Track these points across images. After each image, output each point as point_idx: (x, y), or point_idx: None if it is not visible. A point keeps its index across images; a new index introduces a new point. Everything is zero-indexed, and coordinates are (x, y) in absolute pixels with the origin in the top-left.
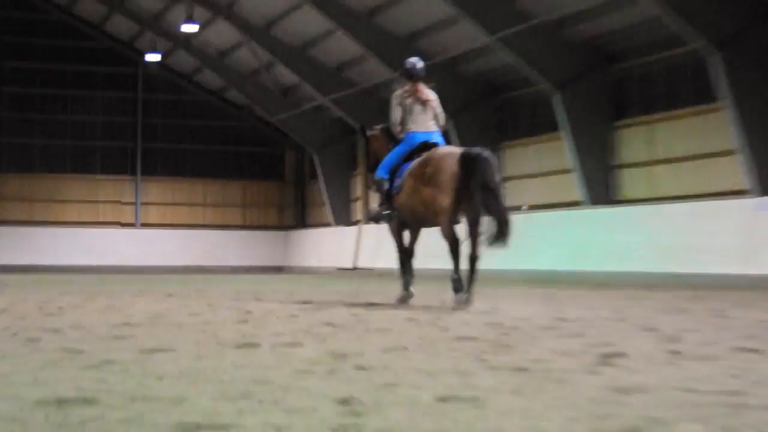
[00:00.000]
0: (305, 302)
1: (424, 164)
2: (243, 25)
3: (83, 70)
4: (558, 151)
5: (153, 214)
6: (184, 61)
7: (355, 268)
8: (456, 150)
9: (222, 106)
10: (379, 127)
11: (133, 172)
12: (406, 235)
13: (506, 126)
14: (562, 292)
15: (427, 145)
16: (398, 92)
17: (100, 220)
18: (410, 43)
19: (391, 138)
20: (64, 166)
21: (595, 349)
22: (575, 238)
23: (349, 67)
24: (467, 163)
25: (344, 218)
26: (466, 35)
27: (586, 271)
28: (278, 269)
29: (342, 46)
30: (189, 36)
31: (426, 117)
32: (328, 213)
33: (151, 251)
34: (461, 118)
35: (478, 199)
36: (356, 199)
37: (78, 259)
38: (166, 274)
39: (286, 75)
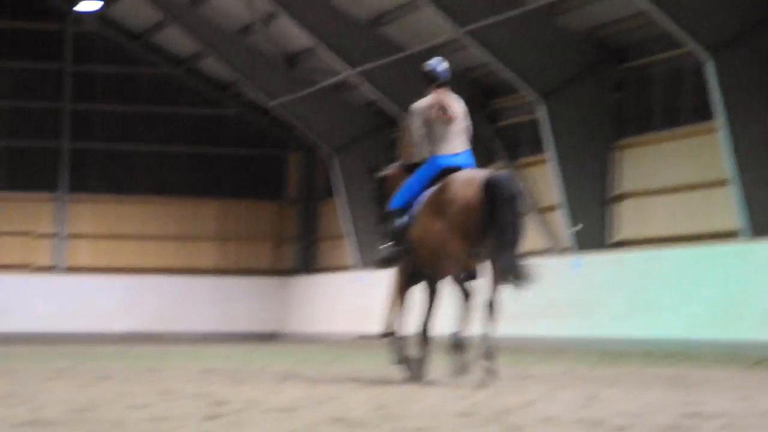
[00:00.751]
0: (308, 387)
1: (441, 191)
2: None
3: None
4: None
5: (84, 253)
6: (135, 12)
7: (386, 335)
8: (478, 174)
9: (193, 83)
10: (395, 164)
11: (55, 187)
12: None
13: (493, 145)
14: (698, 373)
15: (454, 170)
16: (419, 104)
17: (1, 262)
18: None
19: (410, 175)
20: None
21: None
22: (721, 288)
23: (389, 21)
24: (491, 191)
25: (374, 257)
26: (436, 25)
27: (739, 341)
28: (271, 336)
29: None
30: None
31: (453, 134)
32: (350, 249)
33: (79, 309)
34: None
35: (503, 235)
36: None
37: None
38: (101, 345)
39: (292, 34)
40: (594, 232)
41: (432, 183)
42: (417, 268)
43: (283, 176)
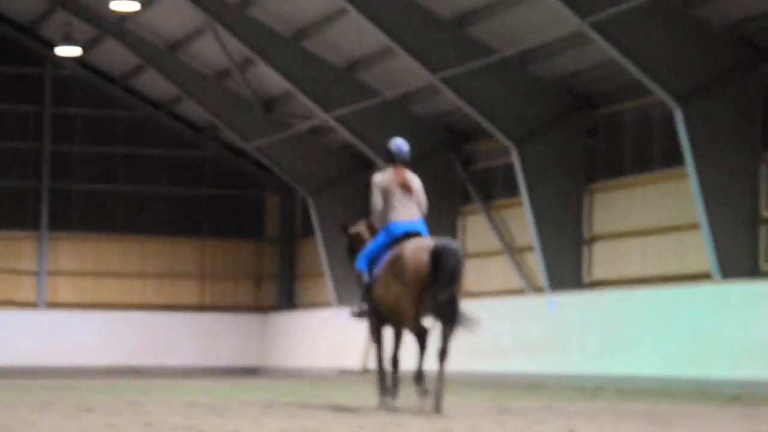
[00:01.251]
0: (290, 419)
1: (396, 257)
2: (208, 3)
3: None
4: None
5: (65, 289)
6: (114, 56)
7: (367, 371)
8: (428, 243)
9: (172, 125)
10: (362, 222)
11: (36, 225)
12: (389, 338)
13: (467, 188)
14: (673, 409)
15: (409, 235)
16: (379, 177)
17: None
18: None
19: (375, 232)
20: None
21: None
22: (694, 328)
23: (364, 66)
24: (436, 257)
25: (352, 295)
26: (411, 71)
27: (711, 378)
28: (251, 371)
29: (356, 33)
30: (123, 18)
31: (409, 204)
32: (328, 287)
33: (60, 344)
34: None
35: (445, 296)
36: None
37: None
38: (83, 379)
39: (269, 79)
40: (568, 273)
41: (390, 245)
42: (383, 318)
43: (262, 216)
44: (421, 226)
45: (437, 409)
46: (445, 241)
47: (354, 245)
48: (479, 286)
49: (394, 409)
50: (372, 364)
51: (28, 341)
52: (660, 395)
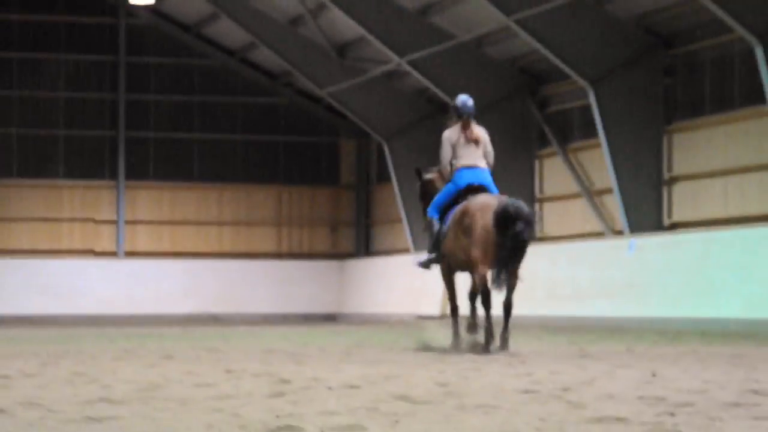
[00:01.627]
0: (369, 366)
1: (463, 214)
2: None
3: (36, 21)
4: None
5: (143, 238)
6: (188, 4)
7: (444, 316)
8: (492, 202)
9: (246, 73)
10: (435, 169)
11: (113, 175)
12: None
13: (544, 131)
14: (757, 352)
15: (472, 188)
16: (448, 131)
17: (65, 247)
18: None
19: (446, 181)
20: (9, 167)
21: None
22: None
23: (438, 9)
24: (502, 219)
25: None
26: (484, 14)
27: None
28: (330, 318)
29: None
30: None
31: (475, 154)
32: (405, 233)
33: (140, 293)
34: (485, 120)
35: (508, 253)
36: None
37: (32, 305)
38: (163, 327)
39: (342, 24)
40: (648, 215)
41: (458, 197)
42: (453, 268)
43: (338, 162)
44: (487, 176)
45: (505, 346)
46: (511, 204)
47: (427, 191)
48: (558, 230)
49: (473, 349)
50: (445, 310)
51: (108, 290)
52: (743, 337)
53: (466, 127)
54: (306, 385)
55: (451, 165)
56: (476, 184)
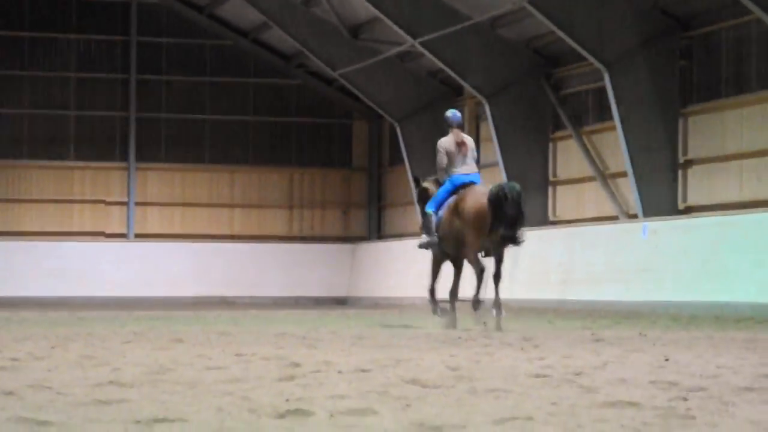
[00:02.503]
0: (380, 349)
1: (458, 200)
2: None
3: (47, 1)
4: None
5: (154, 220)
6: None
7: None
8: (484, 189)
9: (258, 54)
10: (431, 179)
11: (124, 157)
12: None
13: (558, 113)
14: None
15: (466, 185)
16: (441, 141)
17: (75, 229)
18: None
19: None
20: (19, 149)
21: None
22: None
23: None
24: (494, 202)
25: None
26: None
27: None
28: (341, 301)
29: None
30: None
31: (466, 160)
32: (417, 216)
33: (150, 275)
34: (499, 102)
35: (501, 233)
36: None
37: (42, 288)
38: (174, 310)
39: (356, 4)
40: (662, 199)
41: (452, 193)
42: (445, 252)
43: (350, 144)
44: (477, 178)
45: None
46: (504, 185)
47: (424, 196)
48: (571, 213)
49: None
50: (432, 291)
51: (119, 272)
52: (757, 322)
53: (456, 137)
54: (316, 369)
55: (447, 171)
56: (469, 182)
